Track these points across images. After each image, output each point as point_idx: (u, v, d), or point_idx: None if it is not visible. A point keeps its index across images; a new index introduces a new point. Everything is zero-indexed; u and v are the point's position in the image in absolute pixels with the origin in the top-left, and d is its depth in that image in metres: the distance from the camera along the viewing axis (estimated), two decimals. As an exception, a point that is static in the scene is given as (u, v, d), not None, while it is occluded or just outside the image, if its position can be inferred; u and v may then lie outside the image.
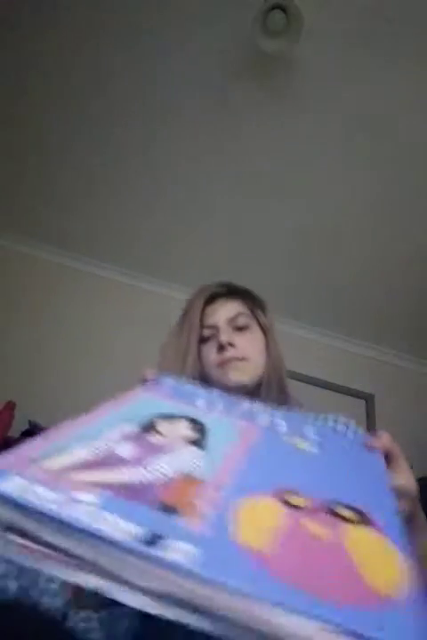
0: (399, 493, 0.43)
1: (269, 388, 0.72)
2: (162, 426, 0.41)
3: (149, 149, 2.04)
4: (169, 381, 0.56)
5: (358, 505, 0.33)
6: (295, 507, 0.32)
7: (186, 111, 1.84)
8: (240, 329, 0.75)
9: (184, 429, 0.42)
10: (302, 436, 0.46)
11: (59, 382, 2.54)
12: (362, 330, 2.81)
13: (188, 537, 0.26)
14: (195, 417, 0.45)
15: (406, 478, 0.44)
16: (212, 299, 0.79)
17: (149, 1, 1.50)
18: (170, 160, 2.05)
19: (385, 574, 0.25)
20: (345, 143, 1.85)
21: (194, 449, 0.38)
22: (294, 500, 0.32)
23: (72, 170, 2.23)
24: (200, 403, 0.50)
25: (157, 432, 0.40)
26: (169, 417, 0.44)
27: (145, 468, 0.33)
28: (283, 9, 1.41)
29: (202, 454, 0.37)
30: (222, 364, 0.71)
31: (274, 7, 1.41)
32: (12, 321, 2.71)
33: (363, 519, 0.31)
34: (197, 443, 0.39)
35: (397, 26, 1.45)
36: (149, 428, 0.40)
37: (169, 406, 0.47)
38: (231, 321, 0.76)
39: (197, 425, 0.44)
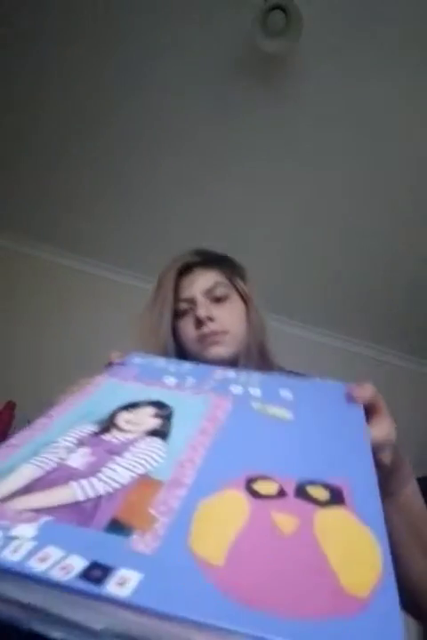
0: (381, 446, 0.41)
1: (249, 357, 0.68)
2: (123, 418, 0.39)
3: (148, 149, 2.01)
4: (136, 360, 0.53)
5: (332, 479, 0.31)
6: (263, 496, 0.29)
7: (185, 111, 1.83)
8: (219, 300, 0.71)
9: (148, 418, 0.39)
10: (277, 400, 0.44)
11: (59, 382, 2.50)
12: (361, 330, 2.76)
13: (136, 562, 0.23)
14: (160, 400, 0.42)
15: (387, 430, 0.42)
16: (186, 269, 0.73)
17: (148, 1, 1.49)
18: (169, 160, 2.04)
19: (357, 571, 0.23)
20: (345, 143, 1.84)
21: (156, 442, 0.35)
22: (263, 488, 0.30)
23: (75, 172, 2.19)
24: (169, 380, 0.48)
25: (117, 428, 0.37)
26: (132, 406, 0.41)
27: (98, 478, 0.30)
28: (283, 9, 1.40)
29: (164, 447, 0.34)
30: (201, 340, 0.67)
31: (274, 7, 1.40)
32: (13, 321, 2.65)
33: (336, 497, 0.29)
34: (161, 432, 0.37)
35: (397, 26, 1.45)
36: (108, 424, 0.38)
37: (134, 391, 0.44)
38: (209, 292, 0.71)
39: (163, 409, 0.41)
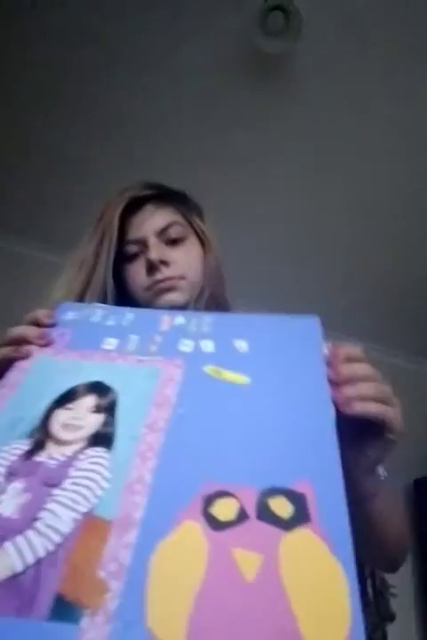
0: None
1: (199, 304, 0.60)
2: (59, 422, 0.34)
3: (148, 150, 1.90)
4: (69, 315, 0.46)
5: (295, 482, 0.29)
6: (222, 524, 0.27)
7: (185, 111, 1.79)
8: (174, 242, 0.61)
9: (88, 415, 0.34)
10: (232, 357, 0.40)
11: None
12: (361, 329, 2.61)
13: None
14: (101, 381, 0.37)
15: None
16: (135, 205, 0.62)
17: (148, 1, 1.48)
18: (169, 160, 1.92)
19: (325, 630, 0.22)
20: (346, 143, 1.84)
21: (100, 456, 0.31)
22: (221, 511, 0.27)
23: (71, 171, 2.02)
24: (109, 343, 0.42)
25: (54, 439, 0.32)
26: (68, 397, 0.36)
27: (36, 531, 0.26)
28: (283, 9, 1.41)
29: (109, 462, 0.31)
30: (153, 287, 0.59)
31: (274, 7, 1.41)
32: (13, 322, 2.31)
33: (300, 514, 0.27)
34: (105, 436, 0.32)
35: (396, 25, 1.46)
36: (42, 435, 0.33)
37: (69, 369, 0.38)
38: (162, 233, 0.61)
39: (105, 395, 0.36)
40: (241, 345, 0.41)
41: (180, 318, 0.45)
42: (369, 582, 1.88)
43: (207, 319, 0.45)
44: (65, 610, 0.23)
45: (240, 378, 0.37)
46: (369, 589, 1.87)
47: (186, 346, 0.41)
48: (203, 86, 1.71)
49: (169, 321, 0.44)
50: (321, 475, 0.29)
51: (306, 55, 1.56)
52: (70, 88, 1.73)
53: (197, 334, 0.42)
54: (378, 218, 2.15)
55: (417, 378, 2.85)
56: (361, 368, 0.39)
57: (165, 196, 0.66)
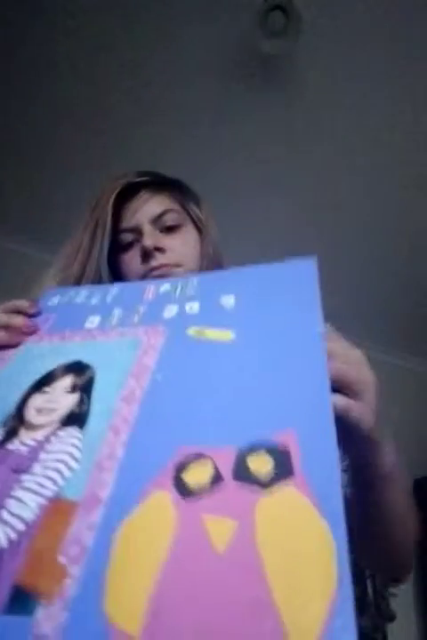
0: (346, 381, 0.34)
1: None
2: (35, 406, 0.32)
3: (147, 150, 1.89)
4: (54, 300, 0.44)
5: (277, 434, 0.25)
6: (194, 492, 0.23)
7: (185, 111, 1.77)
8: (170, 229, 0.58)
9: (64, 396, 0.32)
10: (217, 314, 0.36)
11: None
12: (360, 329, 2.50)
13: None
14: (79, 359, 0.35)
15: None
16: (130, 192, 0.60)
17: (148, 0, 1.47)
18: (169, 160, 1.84)
19: (304, 602, 0.18)
20: (346, 143, 1.81)
21: (71, 436, 0.29)
22: (194, 477, 0.24)
23: (66, 169, 2.03)
24: (91, 322, 0.40)
25: (27, 425, 0.31)
26: (46, 381, 0.34)
27: (1, 521, 0.25)
28: (283, 9, 1.41)
29: (81, 441, 0.28)
30: (149, 274, 0.56)
31: (274, 7, 1.41)
32: None
33: (282, 468, 0.23)
34: (78, 416, 0.30)
35: (397, 25, 1.45)
36: (15, 422, 0.31)
37: (49, 354, 0.37)
38: (158, 220, 0.58)
39: (82, 373, 0.34)
40: (228, 300, 0.37)
41: (165, 286, 0.42)
42: (369, 582, 1.83)
43: (194, 281, 0.41)
44: (21, 601, 0.21)
45: (224, 334, 0.34)
46: (369, 589, 1.82)
47: (170, 311, 0.38)
48: (202, 86, 1.70)
49: (154, 290, 0.42)
50: (307, 422, 0.25)
51: (306, 55, 1.56)
52: (70, 89, 1.74)
53: (183, 298, 0.39)
54: (377, 217, 2.12)
55: (417, 378, 2.79)
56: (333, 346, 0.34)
57: (160, 183, 0.63)
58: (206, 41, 1.57)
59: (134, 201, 0.60)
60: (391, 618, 1.85)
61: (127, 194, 0.60)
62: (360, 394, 0.34)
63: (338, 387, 0.33)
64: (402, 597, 1.96)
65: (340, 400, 0.33)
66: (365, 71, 1.60)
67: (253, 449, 0.25)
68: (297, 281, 0.37)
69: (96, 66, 1.68)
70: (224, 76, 1.67)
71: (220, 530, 0.21)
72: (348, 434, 0.33)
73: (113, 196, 0.59)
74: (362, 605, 1.78)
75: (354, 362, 0.35)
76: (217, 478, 0.24)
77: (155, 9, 1.51)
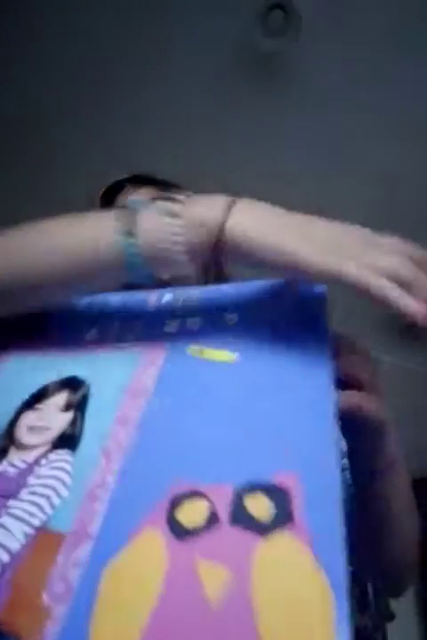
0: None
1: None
2: (27, 425, 0.31)
3: (147, 150, 1.86)
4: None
5: (278, 474, 0.24)
6: (189, 532, 0.22)
7: (184, 111, 1.75)
8: None
9: (57, 415, 0.31)
10: (221, 331, 0.35)
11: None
12: (360, 329, 2.49)
13: None
14: (75, 374, 0.34)
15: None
16: (116, 191, 0.62)
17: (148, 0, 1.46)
18: (169, 160, 1.81)
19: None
20: (346, 143, 1.79)
21: (63, 460, 0.28)
22: (189, 516, 0.23)
23: (70, 163, 2.00)
24: (90, 333, 0.38)
25: (17, 445, 0.30)
26: (39, 398, 0.33)
27: (-16, 550, 0.24)
28: (283, 9, 1.41)
29: (71, 465, 0.27)
30: None
31: (274, 7, 1.41)
32: None
33: (281, 513, 0.22)
34: (70, 437, 0.29)
35: (397, 25, 1.45)
36: (6, 442, 0.30)
37: (43, 367, 0.35)
38: None
39: (77, 389, 0.32)
40: (231, 318, 0.36)
41: (167, 296, 0.41)
42: (369, 582, 1.81)
43: (196, 293, 0.40)
44: (0, 643, 0.20)
45: (226, 355, 0.33)
46: (369, 589, 1.80)
47: (171, 326, 0.37)
48: (202, 86, 1.70)
49: (155, 300, 0.40)
50: (311, 465, 0.24)
51: (306, 55, 1.56)
52: (70, 90, 1.74)
53: (185, 311, 0.38)
54: (377, 217, 2.12)
55: (417, 378, 2.74)
56: None
57: (145, 179, 0.64)
58: (206, 40, 1.57)
59: (120, 196, 0.63)
60: (391, 618, 1.84)
61: (113, 192, 0.63)
62: (370, 387, 0.34)
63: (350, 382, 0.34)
64: (402, 597, 1.96)
65: (352, 397, 0.33)
66: (365, 71, 1.59)
67: (251, 489, 0.23)
68: (307, 307, 0.36)
69: (96, 66, 1.68)
70: (224, 75, 1.67)
71: (214, 577, 0.20)
72: (356, 425, 0.34)
73: (100, 193, 0.63)
74: (362, 605, 1.77)
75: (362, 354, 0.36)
76: (213, 519, 0.23)
77: (155, 8, 1.51)
